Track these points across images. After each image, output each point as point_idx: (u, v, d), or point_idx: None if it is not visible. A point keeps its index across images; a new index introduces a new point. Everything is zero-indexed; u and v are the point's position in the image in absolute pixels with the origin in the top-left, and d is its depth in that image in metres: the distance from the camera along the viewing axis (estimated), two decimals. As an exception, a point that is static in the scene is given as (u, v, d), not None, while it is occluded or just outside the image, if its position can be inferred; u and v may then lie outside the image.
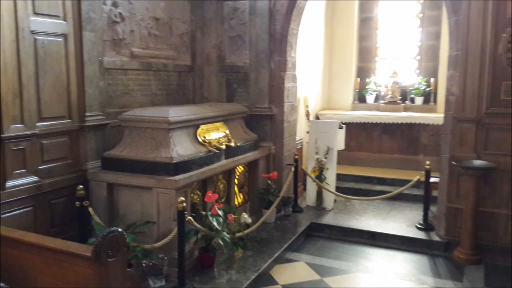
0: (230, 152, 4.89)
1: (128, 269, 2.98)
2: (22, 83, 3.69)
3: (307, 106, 7.52)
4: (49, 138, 3.99)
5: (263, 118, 5.86)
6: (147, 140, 4.24)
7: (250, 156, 5.33)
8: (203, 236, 4.19)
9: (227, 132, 4.99)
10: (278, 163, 5.97)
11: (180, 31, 5.71)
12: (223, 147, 4.75)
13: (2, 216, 3.47)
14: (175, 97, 5.67)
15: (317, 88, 8.31)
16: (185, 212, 3.79)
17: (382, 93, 8.65)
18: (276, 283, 4.30)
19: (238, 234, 4.51)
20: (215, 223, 4.06)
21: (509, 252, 4.68)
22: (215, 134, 4.80)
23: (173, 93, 5.65)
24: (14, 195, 3.62)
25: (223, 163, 4.73)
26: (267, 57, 5.79)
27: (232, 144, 4.90)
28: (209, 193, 4.29)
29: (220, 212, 4.18)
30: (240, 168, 5.36)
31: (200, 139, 4.55)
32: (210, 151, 4.56)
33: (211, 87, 6.14)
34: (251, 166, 5.57)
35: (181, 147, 4.25)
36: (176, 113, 4.31)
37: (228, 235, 4.17)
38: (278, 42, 5.81)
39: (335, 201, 6.43)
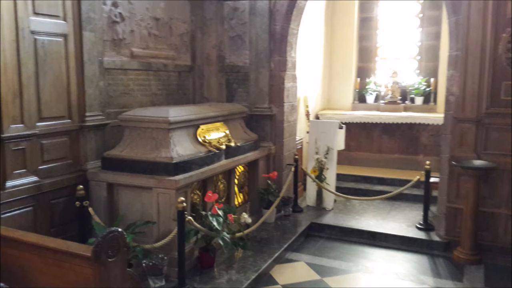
0: (230, 152, 4.89)
1: (128, 269, 2.98)
2: (22, 83, 3.69)
3: (307, 106, 7.52)
4: (49, 138, 3.99)
5: (263, 118, 5.86)
6: (147, 140, 4.24)
7: (250, 156, 5.33)
8: (203, 236, 4.19)
9: (227, 132, 4.99)
10: (278, 163, 5.97)
11: (180, 31, 5.71)
12: (223, 147, 4.75)
13: (2, 216, 3.47)
14: (175, 97, 5.67)
15: (317, 88, 8.31)
16: (185, 212, 3.79)
17: (382, 93, 8.64)
18: (276, 283, 4.30)
19: (238, 234, 4.51)
20: (215, 223, 4.06)
21: (509, 252, 4.68)
22: (215, 134, 4.80)
23: (173, 93, 5.65)
24: (14, 195, 3.61)
25: (223, 163, 4.73)
26: (267, 57, 5.79)
27: (232, 144, 4.90)
28: (209, 193, 4.29)
29: (220, 212, 4.18)
30: (240, 168, 5.36)
31: (200, 139, 4.55)
32: (210, 151, 4.57)
33: (211, 87, 6.13)
34: (251, 166, 5.57)
35: (181, 147, 4.25)
36: (176, 113, 4.31)
37: (228, 235, 4.17)
38: (278, 42, 5.81)
39: (335, 201, 6.44)
